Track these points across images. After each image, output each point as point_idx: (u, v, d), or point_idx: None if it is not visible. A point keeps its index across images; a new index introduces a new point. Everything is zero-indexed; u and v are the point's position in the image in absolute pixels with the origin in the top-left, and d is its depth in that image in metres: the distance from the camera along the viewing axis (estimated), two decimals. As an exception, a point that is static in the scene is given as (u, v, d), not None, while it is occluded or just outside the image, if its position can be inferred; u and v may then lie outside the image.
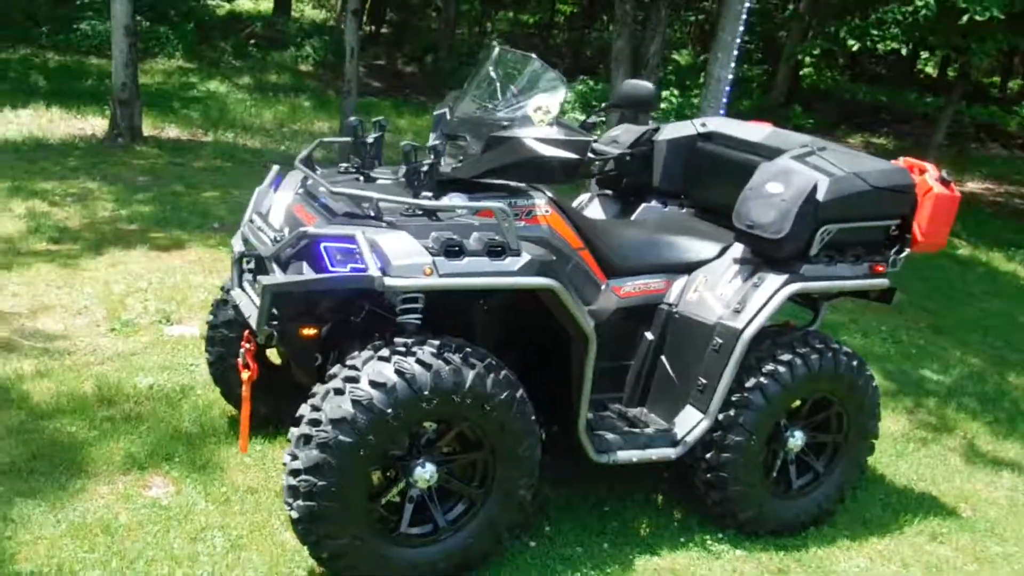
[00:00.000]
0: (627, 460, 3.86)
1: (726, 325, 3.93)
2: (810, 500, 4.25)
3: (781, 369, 3.94)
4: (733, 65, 5.90)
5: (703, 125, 4.75)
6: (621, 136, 4.76)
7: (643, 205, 4.73)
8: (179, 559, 3.44)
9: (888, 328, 7.31)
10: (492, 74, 4.00)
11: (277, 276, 3.45)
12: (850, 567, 4.04)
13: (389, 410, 3.19)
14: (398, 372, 3.21)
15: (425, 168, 3.59)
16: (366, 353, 3.30)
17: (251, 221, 3.85)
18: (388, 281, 3.25)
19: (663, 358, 4.14)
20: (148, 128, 10.92)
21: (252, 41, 18.35)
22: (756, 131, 4.57)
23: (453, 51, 19.37)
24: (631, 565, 3.79)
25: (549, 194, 3.97)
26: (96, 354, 5.02)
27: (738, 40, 5.70)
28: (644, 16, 12.59)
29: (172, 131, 11.53)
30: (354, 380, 3.21)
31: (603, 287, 4.11)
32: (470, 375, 3.30)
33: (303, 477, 3.17)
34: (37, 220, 7.08)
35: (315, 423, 3.18)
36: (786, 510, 4.19)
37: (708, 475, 4.01)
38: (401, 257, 3.30)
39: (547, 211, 3.90)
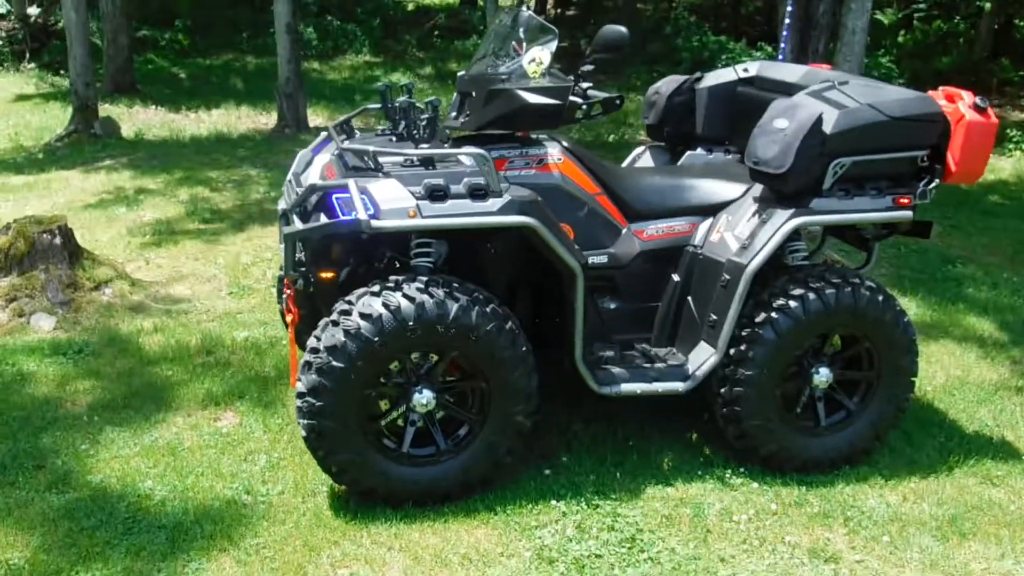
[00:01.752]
0: (631, 392, 4.02)
1: (733, 261, 4.01)
2: (841, 438, 4.22)
3: (792, 304, 3.96)
4: (790, 8, 5.75)
5: (745, 70, 4.78)
6: (663, 87, 4.88)
7: (688, 153, 4.83)
8: (224, 475, 3.96)
9: (1021, 279, 6.88)
10: (498, 33, 4.28)
11: (296, 226, 3.88)
12: (877, 504, 3.99)
13: (376, 338, 3.54)
14: (385, 305, 3.56)
15: (424, 122, 3.92)
16: (361, 290, 3.67)
17: (290, 181, 4.31)
18: (375, 223, 3.60)
19: (689, 299, 4.25)
20: (325, 120, 11.84)
21: (436, 32, 19.20)
22: (795, 72, 4.56)
23: (638, 28, 19.40)
24: (638, 492, 3.96)
25: (565, 143, 4.20)
26: (209, 313, 5.71)
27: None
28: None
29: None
30: (347, 313, 3.59)
31: (624, 231, 4.27)
32: (453, 307, 3.59)
33: (306, 399, 3.59)
34: (196, 204, 7.98)
35: (314, 351, 3.59)
36: (814, 447, 4.19)
37: (724, 409, 4.09)
38: (388, 202, 3.65)
39: (559, 159, 4.13)
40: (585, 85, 4.12)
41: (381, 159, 3.83)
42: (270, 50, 17.33)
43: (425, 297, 3.59)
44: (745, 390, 4.01)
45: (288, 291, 4.24)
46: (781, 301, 3.99)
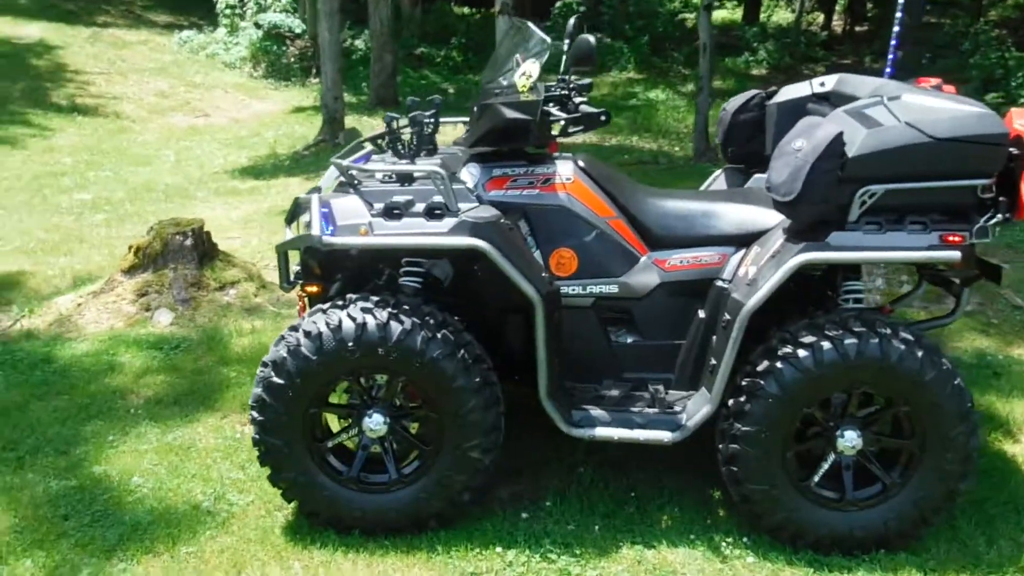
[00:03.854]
0: (606, 437, 3.63)
1: (735, 299, 3.52)
2: (874, 515, 3.53)
3: (802, 353, 3.39)
4: (899, 15, 4.87)
5: (821, 84, 4.19)
6: (731, 103, 4.40)
7: (755, 176, 4.31)
8: (209, 479, 4.04)
9: None
10: (505, 45, 4.05)
11: (285, 238, 3.88)
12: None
13: (314, 357, 3.46)
14: (327, 323, 3.47)
15: (406, 137, 3.80)
16: (317, 306, 3.60)
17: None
18: (326, 239, 3.52)
19: (714, 339, 3.78)
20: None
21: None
22: (868, 85, 3.92)
23: (928, 43, 17.76)
24: (608, 552, 3.54)
25: (581, 162, 3.90)
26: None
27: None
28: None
29: (582, 135, 12.44)
30: (295, 329, 3.54)
31: (642, 259, 3.89)
32: (396, 329, 3.42)
33: (254, 413, 3.58)
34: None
35: (263, 365, 3.57)
36: (837, 523, 3.54)
37: (724, 468, 3.59)
38: (343, 218, 3.56)
39: (569, 178, 3.85)
40: (578, 100, 3.79)
41: (361, 174, 3.74)
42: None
43: (368, 318, 3.45)
44: (743, 448, 3.48)
45: (300, 303, 4.28)
46: (788, 349, 3.42)
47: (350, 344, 3.43)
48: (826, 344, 3.37)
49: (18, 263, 7.36)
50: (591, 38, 3.67)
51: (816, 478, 3.56)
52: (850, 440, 3.49)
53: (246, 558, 3.51)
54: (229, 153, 12.20)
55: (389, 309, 3.47)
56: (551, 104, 3.75)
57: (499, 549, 3.54)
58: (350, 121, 13.52)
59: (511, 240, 3.51)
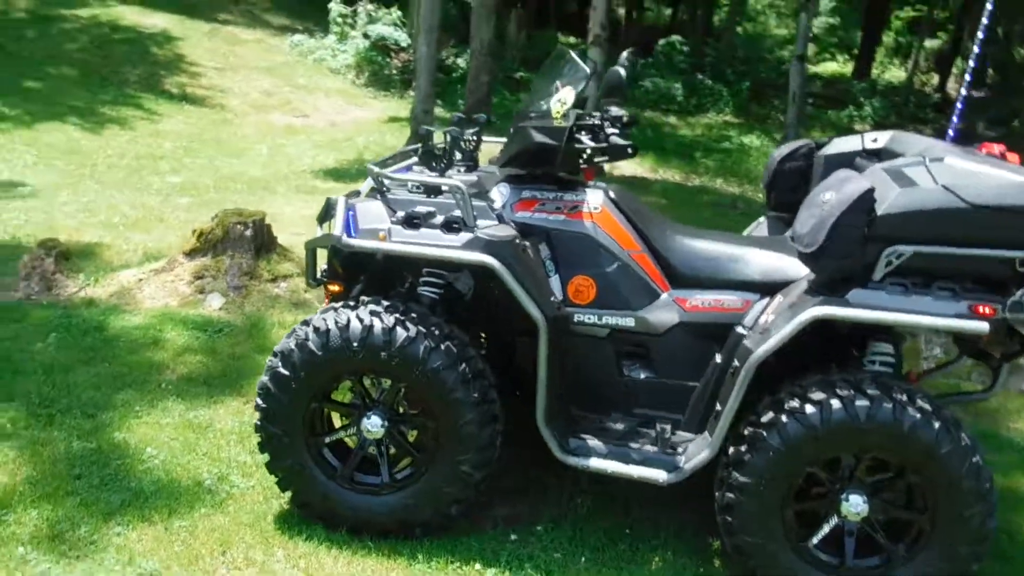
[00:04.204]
0: (600, 469, 3.60)
1: (746, 346, 3.45)
2: (874, 588, 3.43)
3: (809, 409, 3.30)
4: (969, 78, 4.69)
5: (874, 140, 4.09)
6: (779, 150, 4.34)
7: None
8: (218, 459, 4.15)
9: None
10: (545, 71, 4.08)
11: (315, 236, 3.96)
12: None
13: (319, 352, 3.52)
14: (335, 321, 3.53)
15: (438, 152, 3.86)
16: (331, 305, 3.66)
17: None
18: (345, 240, 3.59)
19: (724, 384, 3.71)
20: (645, 171, 11.97)
21: (811, 100, 18.43)
22: (918, 145, 3.81)
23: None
24: (590, 585, 3.51)
25: (612, 193, 3.89)
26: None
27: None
28: None
29: (666, 173, 12.48)
30: (306, 323, 3.60)
31: (663, 296, 3.85)
32: (401, 336, 3.46)
33: (257, 400, 3.66)
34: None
35: (273, 354, 3.65)
36: (831, 590, 3.44)
37: (719, 517, 3.51)
38: (365, 222, 3.64)
39: (596, 208, 3.85)
40: (609, 131, 3.78)
41: (392, 183, 3.81)
42: (636, 100, 17.83)
43: (375, 321, 3.50)
44: (739, 498, 3.40)
45: (326, 300, 4.36)
46: (795, 403, 3.34)
47: (355, 344, 3.48)
48: (835, 403, 3.28)
49: (99, 235, 7.67)
50: (622, 70, 3.67)
51: (815, 540, 3.45)
52: (855, 505, 3.37)
53: (234, 539, 3.58)
54: (319, 154, 12.49)
55: (397, 315, 3.51)
56: (582, 132, 3.75)
57: (478, 566, 3.54)
58: (438, 137, 13.72)
59: (523, 261, 3.52)
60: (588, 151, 3.69)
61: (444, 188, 3.67)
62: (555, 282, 3.80)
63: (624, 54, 4.06)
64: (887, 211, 3.21)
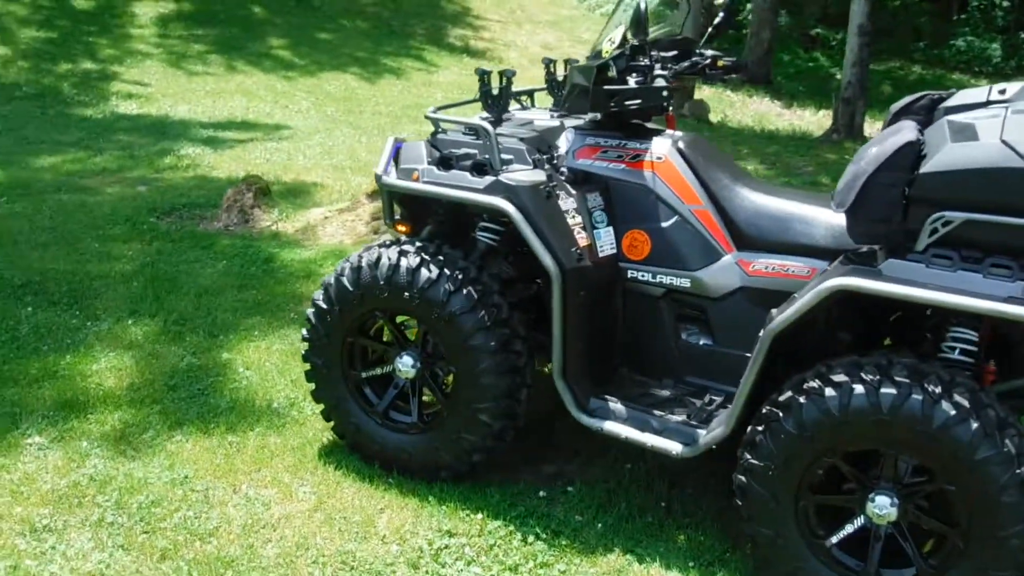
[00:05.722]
0: (614, 433, 3.39)
1: (770, 318, 3.10)
2: (897, 597, 2.98)
3: (829, 392, 2.90)
4: None
5: (1002, 92, 3.46)
6: (896, 105, 3.80)
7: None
8: (298, 385, 4.32)
9: None
10: (617, 12, 3.84)
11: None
12: None
13: (351, 288, 3.61)
14: (368, 259, 3.60)
15: (496, 92, 3.78)
16: (375, 243, 3.73)
17: None
18: (383, 179, 3.65)
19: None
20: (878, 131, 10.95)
21: None
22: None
23: None
24: (595, 554, 3.29)
25: (682, 143, 3.64)
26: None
27: None
28: None
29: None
30: (347, 260, 3.70)
31: (726, 257, 3.54)
32: (423, 276, 3.46)
33: (303, 330, 3.83)
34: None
35: (320, 287, 3.79)
36: (852, 594, 3.04)
37: (735, 501, 3.21)
38: (405, 161, 3.67)
39: (660, 157, 3.62)
40: (658, 73, 3.50)
41: (448, 124, 3.80)
42: (944, 62, 16.20)
43: (403, 260, 3.51)
44: (751, 483, 3.07)
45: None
46: (816, 384, 2.95)
47: (381, 282, 3.53)
48: (858, 388, 2.85)
49: (323, 176, 8.29)
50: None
51: (834, 539, 3.06)
52: (881, 507, 2.93)
53: (274, 460, 3.77)
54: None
55: (424, 256, 3.51)
56: (633, 73, 3.51)
57: (482, 516, 3.47)
58: (709, 94, 13.34)
59: (544, 208, 3.37)
60: (626, 92, 3.47)
61: (470, 128, 3.61)
62: (609, 234, 3.62)
63: None
64: (931, 169, 2.73)
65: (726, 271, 3.50)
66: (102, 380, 4.32)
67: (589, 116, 3.76)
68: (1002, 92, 3.46)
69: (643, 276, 3.59)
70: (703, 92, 13.11)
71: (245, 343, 4.78)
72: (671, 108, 3.74)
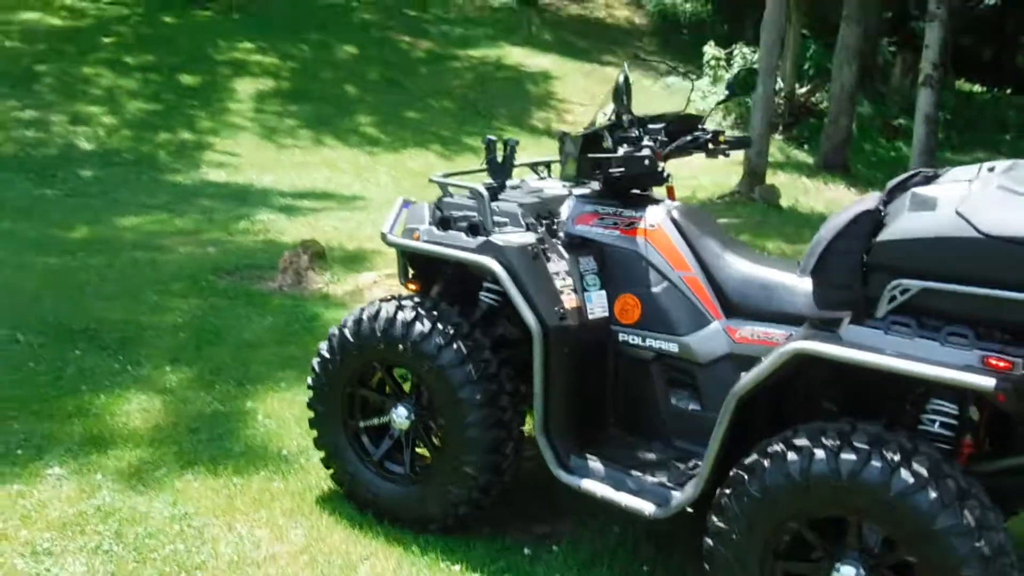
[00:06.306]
0: (589, 491, 3.43)
1: (737, 382, 3.14)
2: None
3: (791, 456, 2.90)
4: None
5: (990, 169, 3.47)
6: (889, 183, 3.83)
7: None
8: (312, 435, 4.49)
9: None
10: (614, 87, 3.98)
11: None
12: None
13: (352, 339, 3.77)
14: (367, 313, 3.76)
15: (499, 160, 3.95)
16: (379, 299, 3.90)
17: None
18: (388, 237, 3.84)
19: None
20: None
21: None
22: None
23: None
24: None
25: (676, 212, 3.74)
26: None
27: None
28: None
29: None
30: (351, 313, 3.88)
31: (714, 324, 3.60)
32: (416, 330, 3.60)
33: (308, 379, 3.99)
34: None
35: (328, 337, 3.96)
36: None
37: (704, 564, 3.21)
38: (410, 221, 3.84)
39: (652, 225, 3.73)
40: (646, 143, 3.63)
41: (455, 188, 3.98)
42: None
43: (400, 314, 3.66)
44: (716, 546, 3.08)
45: None
46: (779, 448, 2.96)
47: (378, 334, 3.68)
48: (819, 453, 2.85)
49: (384, 244, 8.54)
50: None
51: (799, 606, 3.03)
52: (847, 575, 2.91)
53: (274, 502, 3.90)
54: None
55: (420, 310, 3.65)
56: (624, 144, 3.66)
57: (461, 569, 3.52)
58: (784, 179, 13.32)
59: (530, 267, 3.49)
60: (603, 163, 3.61)
61: (468, 193, 3.78)
62: (601, 297, 3.71)
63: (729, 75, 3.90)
64: (887, 237, 2.77)
65: (714, 337, 3.54)
66: (129, 420, 4.55)
67: (592, 186, 3.90)
68: (991, 170, 3.47)
69: (634, 340, 3.66)
70: (776, 178, 13.10)
71: (272, 394, 4.97)
72: (669, 179, 3.86)
